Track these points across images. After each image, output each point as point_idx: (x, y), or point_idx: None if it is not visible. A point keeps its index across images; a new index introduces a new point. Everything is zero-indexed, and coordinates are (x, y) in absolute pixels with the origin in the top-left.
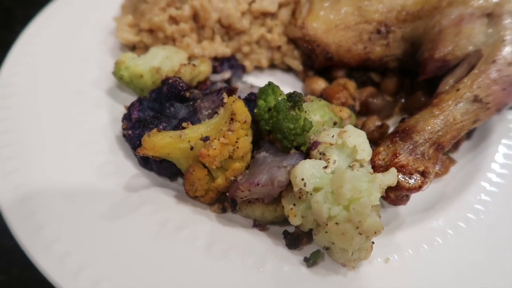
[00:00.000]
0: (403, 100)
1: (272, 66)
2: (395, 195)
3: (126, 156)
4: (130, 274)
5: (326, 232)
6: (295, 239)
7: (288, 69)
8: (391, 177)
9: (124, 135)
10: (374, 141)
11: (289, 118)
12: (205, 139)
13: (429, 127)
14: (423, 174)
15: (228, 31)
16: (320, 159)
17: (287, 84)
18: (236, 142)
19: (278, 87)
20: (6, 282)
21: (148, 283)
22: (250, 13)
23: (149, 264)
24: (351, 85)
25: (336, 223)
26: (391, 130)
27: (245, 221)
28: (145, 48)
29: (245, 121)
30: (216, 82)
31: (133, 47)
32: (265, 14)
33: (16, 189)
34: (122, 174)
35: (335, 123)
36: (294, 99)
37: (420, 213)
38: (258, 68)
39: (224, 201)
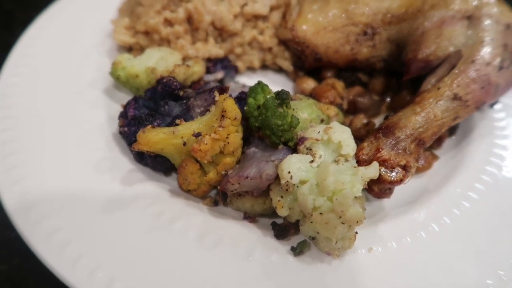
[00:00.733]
0: (389, 99)
1: (264, 67)
2: (378, 188)
3: (122, 152)
4: (126, 262)
5: (311, 222)
6: (282, 230)
7: (280, 70)
8: (373, 170)
9: (120, 132)
10: (361, 138)
11: (277, 115)
12: (197, 135)
13: (411, 124)
14: (405, 168)
15: (221, 33)
16: (306, 154)
17: (279, 84)
18: (227, 137)
19: (267, 86)
20: (7, 272)
21: (143, 271)
22: (242, 16)
23: (143, 253)
24: (339, 84)
25: (320, 213)
26: None
27: (236, 214)
28: (141, 50)
29: (235, 118)
30: (209, 82)
31: (129, 49)
32: (257, 17)
33: (17, 184)
34: (118, 169)
35: (322, 121)
36: (281, 97)
37: (404, 206)
38: (251, 69)
39: (216, 195)
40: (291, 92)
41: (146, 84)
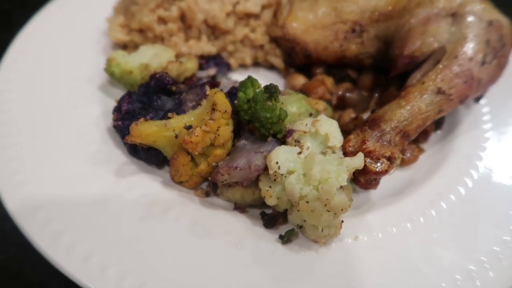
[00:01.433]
0: (377, 95)
1: (256, 64)
2: (364, 179)
3: (117, 145)
4: (119, 249)
5: (298, 210)
6: (271, 219)
7: (271, 67)
8: (358, 160)
9: (114, 126)
10: (349, 132)
11: (266, 108)
12: (188, 127)
13: (396, 117)
14: (390, 159)
15: (214, 31)
16: (295, 145)
17: (270, 81)
18: (217, 130)
19: (256, 80)
20: (3, 261)
21: (136, 258)
22: (234, 14)
23: (136, 241)
24: (329, 81)
25: (307, 202)
26: None
27: (227, 205)
28: (136, 47)
29: (226, 111)
30: (202, 78)
31: (124, 46)
32: (248, 15)
33: (14, 175)
34: (112, 162)
35: (310, 114)
36: (270, 91)
37: (390, 197)
38: (243, 66)
39: (207, 187)
40: (282, 89)
41: (140, 80)
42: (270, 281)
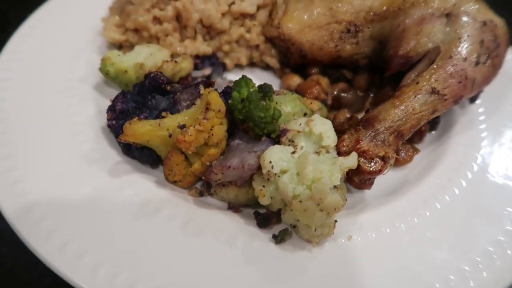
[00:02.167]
0: (372, 95)
1: (252, 64)
2: (359, 179)
3: (111, 144)
4: (111, 249)
5: (291, 210)
6: (265, 219)
7: (267, 67)
8: (351, 160)
9: (108, 125)
10: (344, 132)
11: (260, 107)
12: (182, 126)
13: (390, 117)
14: (383, 159)
15: (209, 30)
16: (289, 145)
17: (266, 81)
18: (211, 129)
19: (251, 80)
20: None
21: (129, 257)
22: (230, 14)
23: (129, 240)
24: (324, 81)
25: (300, 201)
26: None
27: (221, 204)
28: (131, 47)
29: (219, 110)
30: (197, 78)
31: (119, 46)
32: (244, 15)
33: (7, 174)
34: (106, 161)
35: (305, 114)
36: (264, 90)
37: (384, 197)
38: (239, 66)
39: (201, 186)
40: (278, 88)
41: (135, 79)
42: (263, 281)
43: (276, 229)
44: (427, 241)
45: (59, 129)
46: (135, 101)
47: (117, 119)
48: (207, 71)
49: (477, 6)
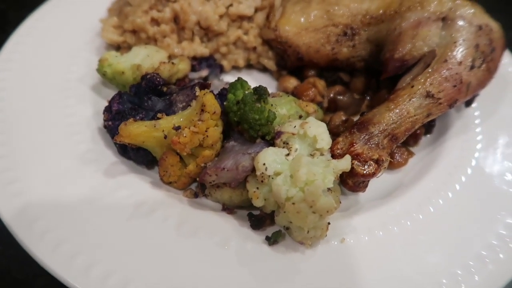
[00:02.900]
0: (368, 98)
1: (249, 66)
2: (352, 182)
3: (107, 145)
4: (105, 249)
5: (284, 212)
6: (258, 221)
7: (264, 69)
8: (344, 163)
9: (105, 126)
10: (340, 134)
11: (255, 110)
12: (177, 128)
13: (385, 120)
14: (377, 162)
15: (207, 32)
16: (283, 147)
17: (263, 83)
18: (206, 131)
19: (246, 82)
20: None
21: (122, 257)
22: (227, 16)
23: (123, 240)
24: (320, 83)
25: (293, 203)
26: None
27: (215, 206)
28: (129, 48)
29: (214, 112)
30: (194, 80)
31: (118, 47)
32: (242, 17)
33: (3, 174)
34: (102, 161)
35: (300, 117)
36: (259, 92)
37: (378, 200)
38: (236, 68)
39: (196, 187)
40: (275, 91)
41: (132, 80)
42: (255, 282)
43: (270, 230)
44: (420, 245)
45: (56, 129)
46: (132, 102)
47: (113, 119)
48: (204, 72)
49: (473, 10)
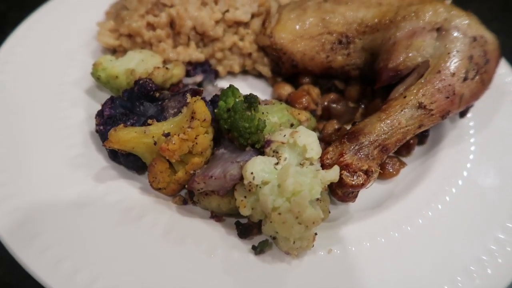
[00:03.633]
0: (363, 106)
1: (245, 72)
2: (342, 192)
3: (98, 150)
4: (92, 255)
5: (271, 222)
6: (246, 229)
7: (259, 75)
8: (332, 173)
9: (96, 131)
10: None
11: (245, 118)
12: (167, 135)
13: (376, 130)
14: (367, 172)
15: (203, 38)
16: (273, 156)
17: (258, 89)
18: (196, 138)
19: (237, 89)
20: None
21: (108, 262)
22: (223, 22)
23: (109, 246)
24: (314, 91)
25: (279, 213)
26: None
27: (204, 213)
28: (125, 52)
29: (204, 119)
30: (188, 85)
31: (114, 51)
32: (238, 23)
33: None
34: (92, 166)
35: (292, 125)
36: (249, 101)
37: (368, 210)
38: (232, 74)
39: (186, 194)
40: (269, 97)
41: (126, 85)
42: None
43: (257, 239)
44: (407, 257)
45: (48, 133)
46: (124, 107)
47: (104, 124)
48: (198, 78)
49: (468, 21)
